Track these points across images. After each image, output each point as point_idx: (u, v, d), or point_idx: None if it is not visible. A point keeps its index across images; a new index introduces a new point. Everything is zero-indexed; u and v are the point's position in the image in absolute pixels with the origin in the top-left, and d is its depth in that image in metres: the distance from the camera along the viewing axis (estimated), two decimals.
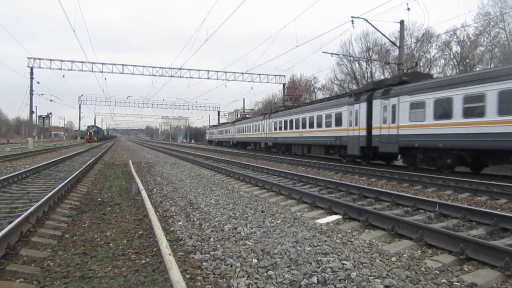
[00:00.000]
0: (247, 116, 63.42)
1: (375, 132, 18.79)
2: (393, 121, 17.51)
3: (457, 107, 14.19)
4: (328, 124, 23.69)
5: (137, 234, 5.86)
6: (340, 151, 23.22)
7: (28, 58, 43.27)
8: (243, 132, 46.57)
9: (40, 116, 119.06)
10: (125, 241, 5.50)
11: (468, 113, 13.82)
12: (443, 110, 14.94)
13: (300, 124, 28.15)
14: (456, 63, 36.70)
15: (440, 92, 15.01)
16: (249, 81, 50.59)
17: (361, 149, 19.96)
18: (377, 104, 18.69)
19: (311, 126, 26.23)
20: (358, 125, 20.13)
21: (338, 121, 22.36)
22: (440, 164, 15.87)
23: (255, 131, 40.46)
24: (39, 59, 44.11)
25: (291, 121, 30.01)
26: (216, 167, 17.65)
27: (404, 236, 5.74)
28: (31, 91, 42.65)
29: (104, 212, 7.60)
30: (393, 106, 17.51)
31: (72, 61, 44.84)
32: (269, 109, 44.51)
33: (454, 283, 3.96)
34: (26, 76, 42.90)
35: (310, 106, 28.43)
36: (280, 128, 32.29)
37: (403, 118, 16.92)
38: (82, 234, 5.83)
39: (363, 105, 19.72)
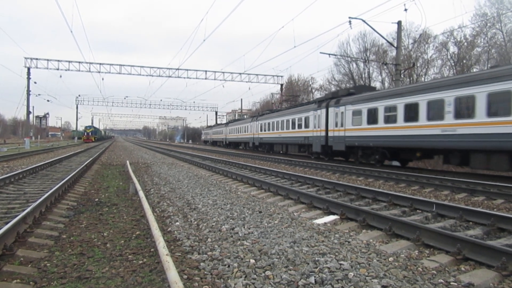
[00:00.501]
0: (245, 116, 64.40)
1: (330, 133, 23.09)
2: (342, 125, 21.74)
3: (381, 115, 18.37)
4: (300, 126, 27.98)
5: (134, 235, 5.85)
6: (308, 149, 27.29)
7: (25, 58, 43.24)
8: (234, 133, 50.50)
9: (37, 117, 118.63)
10: (123, 241, 5.49)
11: (387, 119, 17.95)
12: (373, 117, 18.99)
13: (280, 126, 32.19)
14: (453, 64, 36.81)
15: (371, 103, 19.28)
16: (246, 82, 50.83)
17: (321, 147, 24.11)
18: (331, 111, 23.00)
19: (288, 127, 30.37)
20: (320, 127, 24.35)
21: (307, 124, 26.62)
22: (372, 159, 19.87)
23: (245, 132, 44.61)
24: (36, 59, 44.06)
25: (273, 123, 34.06)
26: (213, 167, 17.64)
27: (402, 236, 5.75)
28: (28, 91, 42.62)
29: (101, 212, 7.58)
30: (342, 113, 21.78)
31: (69, 61, 44.83)
32: (265, 110, 48.47)
33: (451, 283, 3.97)
34: (23, 76, 42.89)
35: (288, 110, 32.50)
36: (265, 130, 36.37)
37: (348, 123, 21.12)
38: (79, 234, 5.82)
39: (323, 111, 23.91)
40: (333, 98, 23.75)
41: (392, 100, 17.68)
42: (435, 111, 15.13)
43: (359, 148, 20.77)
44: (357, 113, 20.23)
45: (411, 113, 16.36)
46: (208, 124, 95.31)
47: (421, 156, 17.73)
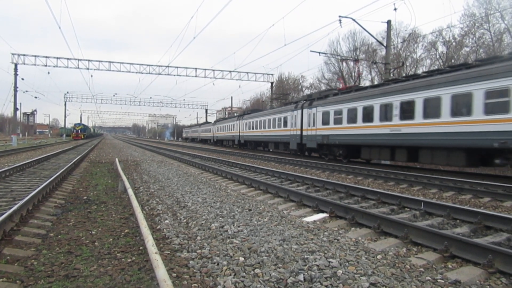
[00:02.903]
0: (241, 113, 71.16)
1: (241, 134, 42.16)
2: (243, 129, 40.75)
3: (250, 125, 37.83)
4: (232, 129, 46.62)
5: (123, 233, 5.81)
6: (228, 143, 50.25)
7: (12, 54, 42.59)
8: (204, 132, 69.44)
9: (24, 113, 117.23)
10: (111, 239, 5.45)
11: (252, 127, 37.26)
12: (250, 126, 38.02)
13: (225, 128, 50.72)
14: (442, 63, 37.13)
15: (249, 119, 38.88)
16: (237, 79, 50.81)
17: (238, 141, 43.25)
18: (241, 122, 41.84)
19: (228, 129, 48.70)
20: (237, 130, 43.53)
21: (234, 128, 45.33)
22: (252, 147, 39.73)
23: (209, 132, 63.50)
24: (24, 55, 43.43)
25: (223, 127, 52.74)
26: (203, 165, 17.59)
27: (390, 234, 5.80)
28: (15, 87, 42.00)
29: (89, 210, 7.51)
30: (242, 123, 41.37)
31: (57, 58, 44.26)
32: (256, 107, 60.51)
33: (438, 280, 4.02)
34: (10, 72, 42.22)
35: (229, 119, 53.00)
36: (218, 131, 55.62)
37: (244, 128, 40.40)
38: (67, 232, 5.76)
39: (238, 122, 43.37)
40: (243, 114, 43.90)
41: (253, 119, 37.33)
42: (261, 126, 34.65)
43: (249, 141, 39.76)
44: (248, 123, 39.02)
45: (260, 126, 34.94)
46: (198, 122, 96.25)
47: (261, 145, 38.01)
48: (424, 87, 15.48)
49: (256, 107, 59.96)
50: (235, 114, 60.44)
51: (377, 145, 18.57)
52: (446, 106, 14.37)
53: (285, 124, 28.19)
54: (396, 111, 16.88)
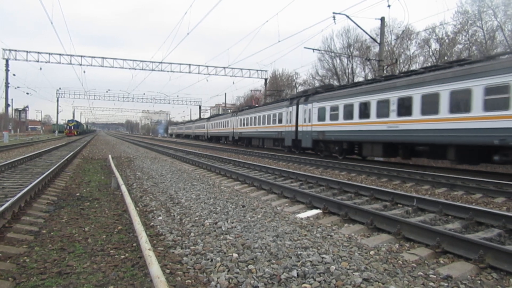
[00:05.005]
0: (235, 109, 74.67)
1: (211, 131, 56.19)
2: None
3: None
4: (203, 128, 60.79)
5: (116, 229, 5.80)
6: (203, 137, 61.33)
7: (4, 49, 42.11)
8: (185, 129, 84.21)
9: (16, 110, 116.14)
10: (104, 236, 5.43)
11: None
12: (217, 125, 51.03)
13: (197, 127, 66.48)
14: (435, 60, 37.30)
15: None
16: (231, 76, 50.65)
17: (207, 136, 58.23)
18: (210, 123, 56.41)
19: (199, 128, 64.05)
20: (207, 128, 58.52)
21: (204, 127, 60.02)
22: (222, 140, 52.17)
23: (188, 129, 79.04)
24: (15, 50, 42.97)
25: (197, 125, 68.12)
26: (197, 161, 17.56)
27: (383, 230, 5.83)
28: (7, 83, 41.59)
29: (82, 207, 7.48)
30: (209, 123, 56.75)
31: (49, 53, 43.85)
32: (251, 104, 61.64)
33: (430, 275, 4.05)
34: (1, 68, 41.75)
35: (201, 119, 69.25)
36: (197, 128, 68.42)
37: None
38: (59, 229, 5.74)
39: (209, 122, 57.31)
40: (210, 117, 57.87)
41: (216, 121, 51.91)
42: (219, 126, 49.82)
43: (214, 137, 53.43)
44: (212, 124, 54.35)
45: (219, 125, 49.43)
46: (192, 118, 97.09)
47: (220, 138, 51.08)
48: (263, 110, 32.66)
49: (250, 104, 61.94)
50: (208, 116, 77.52)
51: (254, 137, 35.55)
52: (270, 120, 30.32)
53: (228, 125, 44.86)
54: (257, 120, 33.51)
